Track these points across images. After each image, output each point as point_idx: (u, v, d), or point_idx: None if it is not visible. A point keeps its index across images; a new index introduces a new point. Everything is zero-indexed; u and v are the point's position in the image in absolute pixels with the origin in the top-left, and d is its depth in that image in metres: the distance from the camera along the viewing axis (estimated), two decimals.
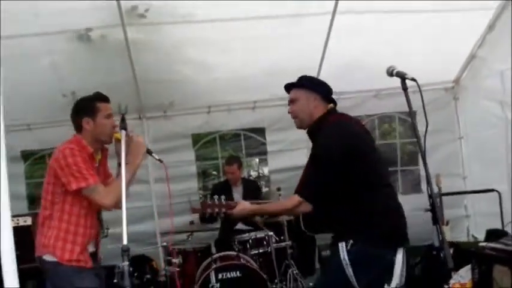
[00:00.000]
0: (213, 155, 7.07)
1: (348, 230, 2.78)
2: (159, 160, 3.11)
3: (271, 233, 4.77)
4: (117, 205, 2.95)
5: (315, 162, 2.87)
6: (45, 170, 6.27)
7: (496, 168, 5.65)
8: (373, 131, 6.41)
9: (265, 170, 7.67)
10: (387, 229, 2.80)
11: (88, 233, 2.98)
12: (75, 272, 2.86)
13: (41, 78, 5.32)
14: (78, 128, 3.03)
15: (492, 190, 5.49)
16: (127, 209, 6.55)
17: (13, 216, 5.20)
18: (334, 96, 5.76)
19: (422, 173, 6.22)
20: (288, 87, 3.15)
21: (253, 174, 7.16)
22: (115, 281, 2.36)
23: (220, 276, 4.37)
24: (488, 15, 5.50)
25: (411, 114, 2.62)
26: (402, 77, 2.71)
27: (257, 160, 7.62)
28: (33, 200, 6.32)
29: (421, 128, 2.52)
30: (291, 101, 3.11)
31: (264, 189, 7.33)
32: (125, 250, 2.29)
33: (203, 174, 6.62)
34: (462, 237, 6.11)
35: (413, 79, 2.81)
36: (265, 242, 4.82)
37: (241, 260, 4.60)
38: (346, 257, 2.72)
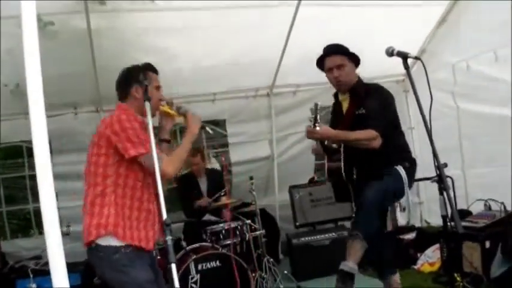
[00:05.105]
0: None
1: (403, 157, 3.48)
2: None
3: (248, 221, 4.72)
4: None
5: (379, 104, 3.37)
6: None
7: (446, 155, 5.92)
8: None
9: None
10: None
11: (145, 207, 2.71)
12: (131, 260, 2.59)
13: None
14: (125, 96, 2.86)
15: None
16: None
17: None
18: (291, 90, 6.19)
19: None
20: (331, 52, 3.45)
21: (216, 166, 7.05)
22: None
23: (200, 267, 4.27)
24: (439, 10, 5.80)
25: (416, 94, 2.78)
26: (405, 56, 2.80)
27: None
28: None
29: None
30: (339, 66, 3.39)
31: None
32: (168, 224, 2.25)
33: None
34: (416, 223, 6.36)
35: (416, 57, 2.94)
36: (237, 232, 4.76)
37: (219, 249, 4.51)
38: (405, 175, 3.37)
